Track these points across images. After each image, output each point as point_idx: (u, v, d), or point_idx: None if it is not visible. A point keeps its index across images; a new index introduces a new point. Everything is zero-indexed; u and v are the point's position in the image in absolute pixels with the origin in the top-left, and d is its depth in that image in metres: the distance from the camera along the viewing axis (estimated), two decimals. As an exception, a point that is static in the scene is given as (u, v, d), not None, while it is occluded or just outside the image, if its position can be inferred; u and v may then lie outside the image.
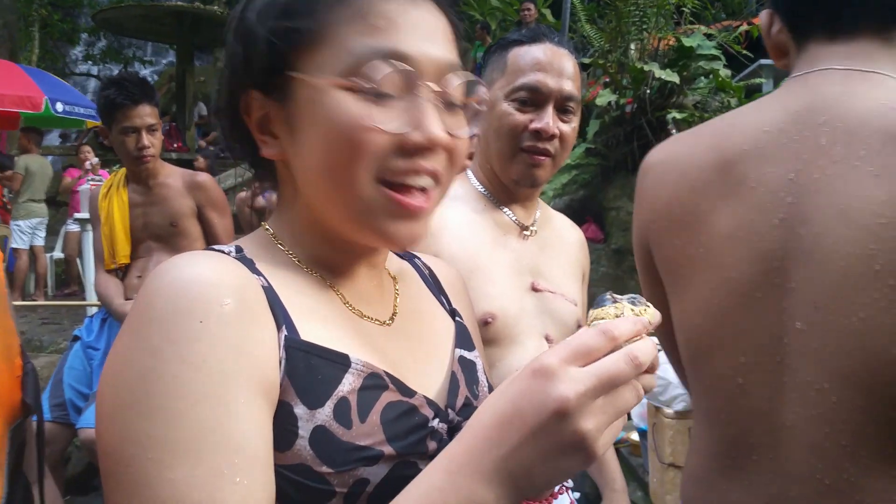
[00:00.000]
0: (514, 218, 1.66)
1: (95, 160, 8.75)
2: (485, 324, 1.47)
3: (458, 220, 1.58)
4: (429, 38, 0.77)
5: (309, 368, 0.73)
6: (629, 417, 3.40)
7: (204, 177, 3.24)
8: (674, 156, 1.18)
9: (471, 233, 1.57)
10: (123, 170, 3.24)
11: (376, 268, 0.93)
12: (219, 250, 0.78)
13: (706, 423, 1.15)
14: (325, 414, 0.72)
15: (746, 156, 1.06)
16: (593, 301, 0.70)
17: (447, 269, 1.12)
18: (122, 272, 3.22)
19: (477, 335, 1.08)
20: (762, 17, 1.18)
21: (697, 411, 1.19)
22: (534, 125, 1.53)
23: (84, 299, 6.84)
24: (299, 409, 0.71)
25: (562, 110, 1.57)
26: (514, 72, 1.56)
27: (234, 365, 0.66)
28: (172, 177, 3.17)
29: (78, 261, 8.45)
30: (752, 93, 7.32)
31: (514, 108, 1.55)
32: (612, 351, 0.62)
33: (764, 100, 1.13)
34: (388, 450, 0.74)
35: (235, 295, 0.70)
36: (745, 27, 7.27)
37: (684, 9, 6.81)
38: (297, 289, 0.81)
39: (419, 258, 1.09)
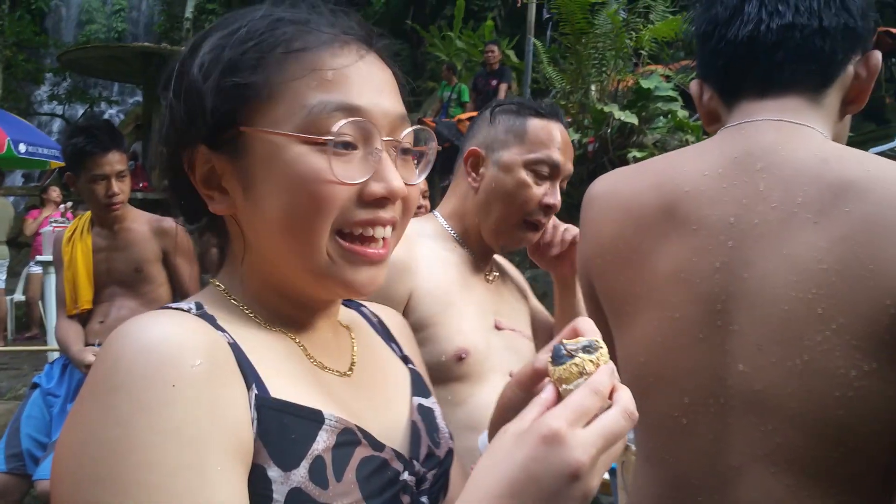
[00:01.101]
0: (479, 263, 1.73)
1: (69, 203, 8.60)
2: (458, 359, 1.52)
3: (431, 258, 1.62)
4: (379, 90, 0.78)
5: (281, 428, 0.70)
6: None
7: (170, 222, 3.18)
8: (617, 191, 1.20)
9: (443, 270, 1.62)
10: (88, 213, 3.20)
11: (331, 318, 0.91)
12: (177, 308, 0.76)
13: (650, 463, 1.15)
14: (300, 475, 0.69)
15: (688, 198, 1.08)
16: (551, 355, 0.72)
17: (394, 317, 1.11)
18: (83, 317, 3.17)
19: (428, 381, 1.07)
20: (693, 87, 1.22)
21: (641, 451, 1.19)
22: (546, 200, 1.61)
23: (46, 344, 6.66)
24: (273, 472, 0.68)
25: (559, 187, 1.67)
26: (537, 143, 1.63)
27: (210, 429, 0.63)
28: (138, 221, 3.15)
29: (40, 304, 8.26)
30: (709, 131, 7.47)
31: (532, 180, 1.61)
32: (602, 406, 0.64)
33: (703, 144, 1.16)
34: None
35: (205, 355, 0.66)
36: (701, 68, 7.47)
37: (642, 51, 7.00)
38: (261, 344, 0.78)
39: (366, 307, 1.07)
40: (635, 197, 1.15)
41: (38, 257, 7.56)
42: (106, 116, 16.55)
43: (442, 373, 1.48)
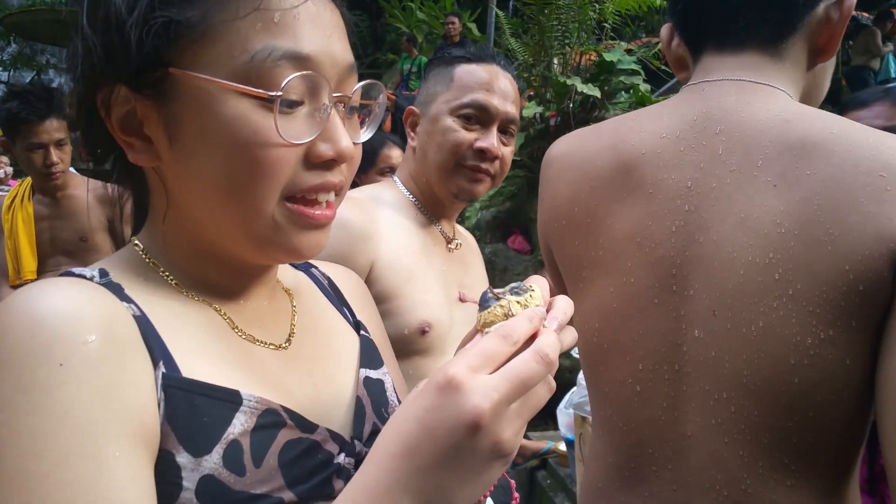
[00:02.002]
0: (441, 229, 1.68)
1: (9, 169, 8.33)
2: (421, 333, 1.48)
3: (392, 227, 1.56)
4: (329, 35, 0.70)
5: (192, 410, 0.64)
6: (556, 427, 3.42)
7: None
8: (573, 152, 1.17)
9: (406, 240, 1.57)
10: (29, 180, 3.08)
11: (268, 284, 0.84)
12: (79, 274, 0.69)
13: (604, 431, 1.13)
14: (212, 461, 0.63)
15: (644, 160, 1.05)
16: (479, 300, 0.68)
17: (348, 278, 1.03)
18: (28, 288, 3.05)
19: (387, 348, 1.01)
20: (663, 31, 1.19)
21: (595, 419, 1.16)
22: (479, 144, 1.56)
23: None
24: (182, 458, 0.62)
25: (503, 132, 1.60)
26: (461, 88, 1.57)
27: (105, 413, 0.57)
28: (81, 188, 3.03)
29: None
30: (670, 107, 7.52)
31: (458, 125, 1.56)
32: (516, 352, 0.58)
33: (661, 105, 1.13)
34: (288, 496, 0.67)
35: (101, 329, 0.60)
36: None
37: (605, 25, 6.97)
38: (175, 316, 0.71)
39: (316, 267, 1.00)
40: (591, 158, 1.12)
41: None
42: (55, 84, 16.04)
43: (404, 346, 1.44)
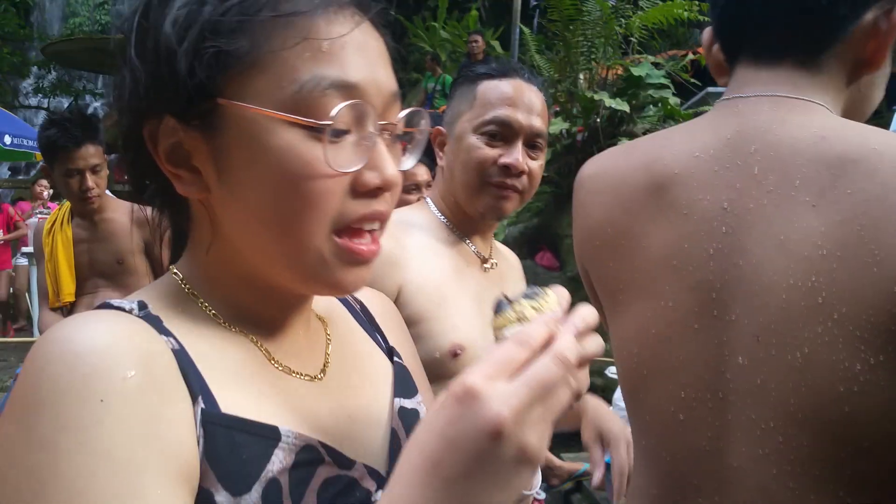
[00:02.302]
0: (475, 249, 1.65)
1: (50, 191, 8.57)
2: (453, 356, 1.45)
3: (422, 249, 1.54)
4: (374, 63, 0.69)
5: (232, 447, 0.63)
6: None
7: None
8: (606, 172, 1.13)
9: (436, 262, 1.54)
10: (68, 204, 3.16)
11: (304, 314, 0.82)
12: (118, 307, 0.67)
13: (646, 461, 1.08)
14: (251, 501, 0.62)
15: (678, 180, 1.02)
16: (494, 309, 0.67)
17: (381, 301, 1.02)
18: (68, 310, 3.13)
19: (420, 374, 0.99)
20: (705, 35, 1.14)
21: (637, 449, 1.12)
22: (503, 160, 1.52)
23: (33, 335, 6.64)
24: (221, 497, 0.61)
25: (530, 146, 1.57)
26: (484, 105, 1.55)
27: (146, 450, 0.56)
28: (119, 211, 3.09)
29: (27, 296, 8.22)
30: (699, 120, 7.45)
31: (482, 143, 1.53)
32: (532, 357, 0.56)
33: (694, 123, 1.09)
34: None
35: (140, 365, 0.59)
36: (691, 56, 7.45)
37: (631, 39, 6.96)
38: (213, 348, 0.70)
39: None
40: (624, 178, 1.09)
41: (24, 249, 7.50)
42: (91, 109, 16.42)
43: (437, 370, 1.41)
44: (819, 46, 1.00)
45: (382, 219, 0.72)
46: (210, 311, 0.73)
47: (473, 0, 14.18)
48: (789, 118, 0.98)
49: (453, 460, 0.52)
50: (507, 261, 1.79)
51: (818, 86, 1.00)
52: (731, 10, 1.04)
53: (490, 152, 1.53)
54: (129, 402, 0.57)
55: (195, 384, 0.64)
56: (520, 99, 1.55)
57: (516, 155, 1.53)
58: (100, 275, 3.09)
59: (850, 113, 1.05)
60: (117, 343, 0.59)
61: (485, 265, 1.66)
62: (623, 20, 6.77)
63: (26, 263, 7.79)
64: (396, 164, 0.72)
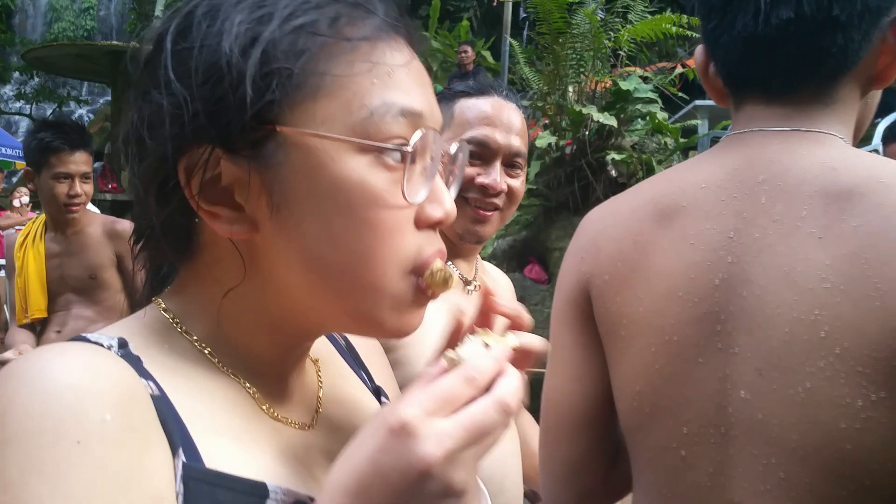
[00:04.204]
0: (457, 272, 1.60)
1: (25, 199, 8.41)
2: None
3: None
4: (430, 94, 0.67)
5: None
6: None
7: (124, 224, 3.01)
8: (616, 210, 1.13)
9: None
10: (42, 217, 3.07)
11: (304, 356, 0.77)
12: (96, 342, 0.61)
13: (648, 498, 1.07)
14: None
15: (685, 212, 1.01)
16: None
17: (364, 337, 0.97)
18: (39, 326, 3.04)
19: None
20: (698, 55, 1.11)
21: (638, 486, 1.11)
22: (480, 180, 1.49)
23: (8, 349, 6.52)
24: None
25: (509, 165, 1.54)
26: (462, 124, 1.51)
27: (125, 499, 0.51)
28: (92, 225, 3.01)
29: (5, 308, 8.08)
30: (688, 133, 7.50)
31: None
32: (476, 395, 0.55)
33: (700, 157, 1.09)
34: None
35: (119, 408, 0.53)
36: (679, 69, 7.47)
37: (620, 52, 6.96)
38: (201, 392, 0.64)
39: None
40: (633, 214, 1.08)
41: (0, 261, 7.37)
42: (75, 116, 16.33)
43: None
44: (835, 77, 0.98)
45: (444, 257, 0.69)
46: (205, 349, 0.67)
47: (465, 10, 14.26)
48: (799, 149, 0.96)
49: (381, 489, 0.52)
50: (495, 282, 1.74)
51: (831, 115, 0.99)
52: (736, 49, 1.01)
53: (468, 170, 1.49)
54: (109, 446, 0.51)
55: (176, 435, 0.58)
56: (498, 118, 1.52)
57: (494, 175, 1.50)
58: (72, 290, 3.01)
59: (857, 128, 1.06)
60: (96, 382, 0.54)
61: (468, 287, 1.61)
62: (612, 33, 6.78)
63: (2, 275, 7.66)
64: None
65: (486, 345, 0.61)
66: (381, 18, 0.64)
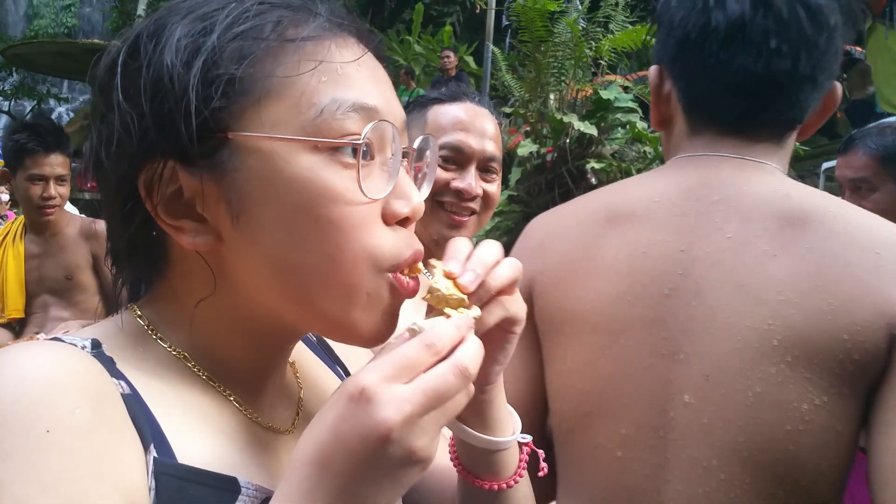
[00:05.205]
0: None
1: (4, 197, 8.30)
2: None
3: None
4: (386, 89, 0.67)
5: (186, 500, 0.58)
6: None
7: (101, 224, 3.02)
8: (563, 215, 1.17)
9: None
10: (21, 218, 3.06)
11: (284, 361, 0.77)
12: (69, 342, 0.62)
13: (578, 499, 1.08)
14: None
15: (637, 220, 1.05)
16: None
17: None
18: (17, 327, 3.03)
19: None
20: (653, 76, 1.15)
21: (567, 486, 1.11)
22: (455, 184, 1.51)
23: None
24: None
25: (484, 170, 1.56)
26: (436, 130, 1.53)
27: (95, 486, 0.51)
28: (70, 226, 3.01)
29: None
30: (666, 143, 7.54)
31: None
32: (437, 361, 0.56)
33: (651, 173, 1.14)
34: None
35: (89, 402, 0.54)
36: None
37: (601, 61, 7.01)
38: (176, 393, 0.65)
39: None
40: (582, 219, 1.12)
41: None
42: (55, 114, 16.15)
43: None
44: (793, 124, 1.08)
45: (421, 257, 0.69)
46: (180, 354, 0.68)
47: (448, 15, 14.26)
48: (753, 176, 1.04)
49: (343, 457, 0.53)
50: None
51: (779, 154, 1.08)
52: (716, 86, 1.06)
53: (443, 175, 1.52)
54: (79, 436, 0.52)
55: (147, 431, 0.59)
56: (472, 123, 1.54)
57: (469, 180, 1.52)
58: (49, 291, 3.01)
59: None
60: (67, 376, 0.55)
61: None
62: (593, 43, 6.81)
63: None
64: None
65: (448, 315, 0.62)
66: (325, 18, 0.65)
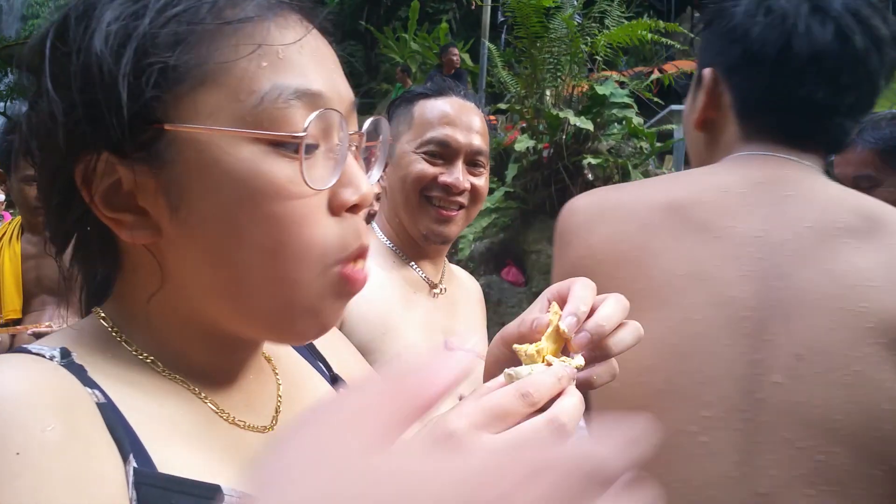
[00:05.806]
0: (423, 275, 1.61)
1: (1, 196, 8.29)
2: None
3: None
4: (332, 71, 0.63)
5: None
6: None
7: None
8: (609, 197, 1.14)
9: (380, 291, 1.49)
10: (18, 219, 3.06)
11: (256, 358, 0.75)
12: (37, 352, 0.59)
13: (660, 489, 1.03)
14: None
15: (705, 207, 1.04)
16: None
17: None
18: (12, 326, 3.03)
19: None
20: (707, 77, 1.15)
21: (648, 473, 1.06)
22: (443, 179, 1.51)
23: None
24: None
25: (471, 164, 1.56)
26: (422, 125, 1.53)
27: None
28: (68, 226, 3.01)
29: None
30: (663, 138, 7.58)
31: (422, 160, 1.52)
32: (533, 412, 0.52)
33: (714, 167, 1.13)
34: None
35: (62, 418, 0.51)
36: (656, 74, 7.55)
37: (597, 57, 7.02)
38: (149, 399, 0.61)
39: None
40: (639, 200, 1.09)
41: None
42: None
43: None
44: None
45: (367, 254, 0.66)
46: (147, 358, 0.65)
47: (444, 12, 14.25)
48: (821, 179, 1.08)
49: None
50: (463, 285, 1.75)
51: (819, 169, 1.12)
52: (781, 105, 1.09)
53: (430, 169, 1.52)
54: (52, 457, 0.49)
55: (125, 441, 0.56)
56: (458, 118, 1.54)
57: (456, 174, 1.52)
58: (47, 291, 2.99)
59: None
60: (35, 393, 0.52)
61: (434, 290, 1.61)
62: (588, 38, 6.83)
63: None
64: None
65: (548, 364, 0.59)
66: None
